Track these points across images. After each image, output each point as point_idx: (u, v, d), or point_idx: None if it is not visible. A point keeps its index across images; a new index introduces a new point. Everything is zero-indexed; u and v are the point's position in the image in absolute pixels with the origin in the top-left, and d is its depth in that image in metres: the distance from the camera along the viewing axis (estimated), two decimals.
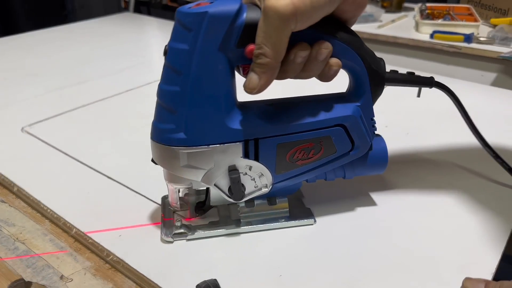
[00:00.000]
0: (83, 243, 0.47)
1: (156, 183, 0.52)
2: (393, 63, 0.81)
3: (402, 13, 1.49)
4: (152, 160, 0.45)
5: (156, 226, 0.48)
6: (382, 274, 0.42)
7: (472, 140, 0.54)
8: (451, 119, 0.64)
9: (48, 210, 0.51)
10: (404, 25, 1.39)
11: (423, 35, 1.26)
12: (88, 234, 0.47)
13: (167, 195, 0.51)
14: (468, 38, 1.18)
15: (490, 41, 1.25)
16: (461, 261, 0.43)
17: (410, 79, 0.47)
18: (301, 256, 0.44)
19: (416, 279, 0.41)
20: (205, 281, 0.40)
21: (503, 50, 1.23)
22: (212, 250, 0.45)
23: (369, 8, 1.42)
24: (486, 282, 0.39)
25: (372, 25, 1.37)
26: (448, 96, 0.50)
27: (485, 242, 0.45)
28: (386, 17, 1.45)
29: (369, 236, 0.47)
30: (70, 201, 0.52)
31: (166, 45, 0.40)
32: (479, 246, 0.45)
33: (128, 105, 0.81)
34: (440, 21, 1.27)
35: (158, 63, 1.03)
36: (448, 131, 0.68)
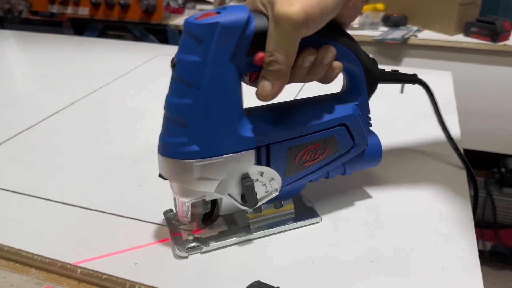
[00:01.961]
0: (94, 282, 0.43)
1: (136, 203, 0.52)
2: None
3: None
4: (160, 176, 0.44)
5: (160, 244, 0.47)
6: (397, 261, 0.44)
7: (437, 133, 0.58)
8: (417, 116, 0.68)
9: (35, 257, 0.44)
10: None
11: None
12: (99, 270, 0.42)
13: (169, 209, 0.50)
14: None
15: (362, 27, 1.47)
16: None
17: (400, 78, 0.50)
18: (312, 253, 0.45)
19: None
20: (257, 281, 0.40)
21: (374, 33, 1.45)
22: (229, 258, 0.45)
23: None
24: None
25: None
26: (425, 91, 0.54)
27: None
28: None
29: (371, 228, 0.49)
30: (56, 242, 0.47)
31: (173, 57, 0.40)
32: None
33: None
34: None
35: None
36: (416, 126, 0.73)
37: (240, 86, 0.41)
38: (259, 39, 0.39)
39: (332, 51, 0.41)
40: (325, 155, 0.46)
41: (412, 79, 0.51)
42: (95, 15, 1.70)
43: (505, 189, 1.59)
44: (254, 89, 0.41)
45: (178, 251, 0.45)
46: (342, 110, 0.46)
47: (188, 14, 1.60)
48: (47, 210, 0.53)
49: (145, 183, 0.58)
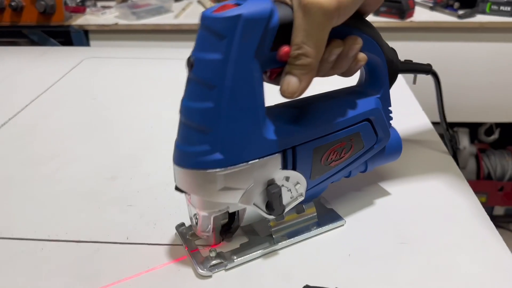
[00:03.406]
0: None
1: (135, 225, 0.47)
2: None
3: (187, 0, 1.59)
4: (177, 188, 0.39)
5: (178, 263, 0.42)
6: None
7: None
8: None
9: None
10: (196, 11, 1.48)
11: None
12: None
13: (181, 223, 0.46)
14: None
15: None
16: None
17: (416, 68, 0.48)
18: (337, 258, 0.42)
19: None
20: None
21: None
22: (257, 272, 0.41)
23: (157, 0, 1.47)
24: None
25: (167, 16, 1.44)
26: (435, 82, 0.53)
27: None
28: (176, 6, 1.53)
29: (393, 226, 0.47)
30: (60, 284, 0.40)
31: (190, 56, 0.35)
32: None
33: None
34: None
35: None
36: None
37: (263, 85, 0.37)
38: (284, 32, 0.35)
39: (359, 42, 0.38)
40: (350, 153, 0.44)
41: (428, 69, 0.49)
42: None
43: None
44: (272, 86, 0.38)
45: (201, 270, 0.41)
46: (365, 105, 0.43)
47: (90, 12, 1.49)
48: (25, 251, 0.44)
49: (134, 202, 0.51)
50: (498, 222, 1.67)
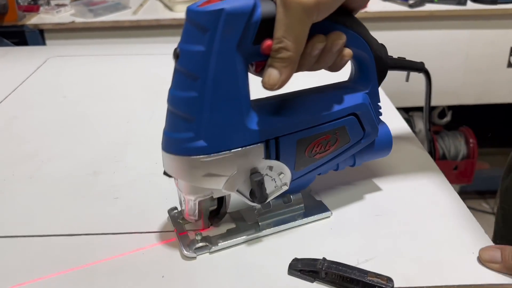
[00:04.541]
0: None
1: (125, 216, 0.49)
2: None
3: None
4: (165, 173, 0.42)
5: (166, 244, 0.45)
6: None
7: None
8: None
9: None
10: (154, 7, 1.47)
11: (181, 13, 1.36)
12: None
13: (173, 207, 0.48)
14: None
15: None
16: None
17: (408, 65, 0.48)
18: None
19: None
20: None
21: None
22: (239, 257, 0.43)
23: None
24: (501, 248, 0.41)
25: (125, 12, 1.42)
26: (427, 81, 0.53)
27: None
28: (133, 2, 1.51)
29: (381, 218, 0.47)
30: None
31: (176, 48, 0.37)
32: None
33: None
34: None
35: None
36: None
37: (247, 77, 0.39)
38: (266, 26, 0.37)
39: (342, 38, 0.39)
40: (335, 147, 0.45)
41: (420, 67, 0.50)
42: None
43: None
44: (260, 79, 0.39)
45: (186, 252, 0.43)
46: (352, 99, 0.44)
47: (44, 11, 1.45)
48: (17, 247, 0.46)
49: (119, 195, 0.53)
50: None
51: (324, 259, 0.40)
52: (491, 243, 0.43)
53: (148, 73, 0.91)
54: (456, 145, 1.68)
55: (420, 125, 1.64)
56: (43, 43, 1.42)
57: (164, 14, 1.39)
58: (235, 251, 0.44)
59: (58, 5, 1.50)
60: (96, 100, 0.80)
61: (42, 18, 1.43)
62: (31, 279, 0.41)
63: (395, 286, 0.38)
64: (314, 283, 0.40)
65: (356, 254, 0.43)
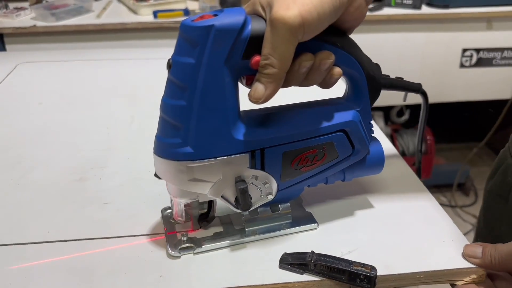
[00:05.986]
0: None
1: (117, 221, 0.50)
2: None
3: None
4: (156, 175, 0.44)
5: (155, 241, 0.47)
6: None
7: None
8: None
9: None
10: (117, 10, 1.45)
11: (146, 17, 1.35)
12: None
13: (167, 207, 0.51)
14: (187, 11, 1.36)
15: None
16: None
17: (404, 85, 0.49)
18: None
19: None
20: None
21: None
22: (220, 261, 0.45)
23: (76, 0, 1.41)
24: (483, 245, 0.44)
25: (89, 16, 1.39)
26: (423, 102, 0.53)
27: None
28: (96, 5, 1.48)
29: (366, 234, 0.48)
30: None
31: (169, 59, 0.40)
32: None
33: None
34: (152, 1, 1.38)
35: None
36: None
37: (235, 90, 0.41)
38: (256, 43, 0.38)
39: (330, 57, 0.40)
40: (323, 161, 0.46)
41: (417, 88, 0.50)
42: None
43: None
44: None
45: (171, 251, 0.45)
46: (342, 116, 0.45)
47: (2, 14, 1.36)
48: (13, 255, 0.45)
49: (108, 200, 0.54)
50: None
51: (312, 252, 0.43)
52: (460, 233, 0.48)
53: (122, 78, 0.89)
54: (414, 141, 1.76)
55: (381, 123, 1.79)
56: (3, 48, 1.34)
57: (128, 18, 1.36)
58: (219, 254, 0.46)
59: (17, 9, 1.41)
60: (73, 106, 0.79)
61: (1, 22, 1.35)
62: (26, 285, 0.42)
63: (378, 274, 0.41)
64: (304, 275, 0.43)
65: (340, 247, 0.46)
